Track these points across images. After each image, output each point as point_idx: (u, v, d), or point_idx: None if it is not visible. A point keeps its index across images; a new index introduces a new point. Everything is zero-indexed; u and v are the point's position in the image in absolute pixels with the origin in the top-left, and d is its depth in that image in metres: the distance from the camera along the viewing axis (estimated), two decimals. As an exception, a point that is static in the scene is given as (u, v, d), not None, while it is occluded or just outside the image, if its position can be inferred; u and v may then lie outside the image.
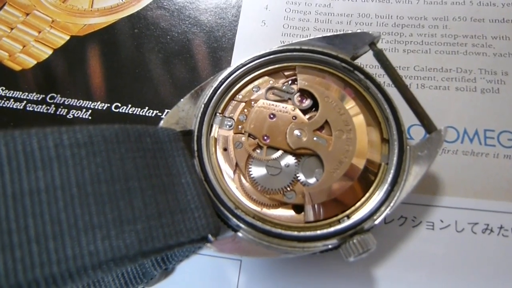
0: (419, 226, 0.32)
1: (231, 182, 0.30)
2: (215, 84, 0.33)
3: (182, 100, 0.32)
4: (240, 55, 0.33)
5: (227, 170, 0.30)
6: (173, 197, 0.26)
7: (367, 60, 0.34)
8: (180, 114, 0.32)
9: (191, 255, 0.31)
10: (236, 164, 0.30)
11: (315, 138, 0.30)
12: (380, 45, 0.34)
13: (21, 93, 0.40)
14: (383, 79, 0.32)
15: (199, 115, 0.31)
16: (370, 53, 0.34)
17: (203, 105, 0.32)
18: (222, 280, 0.31)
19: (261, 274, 0.31)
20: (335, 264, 0.31)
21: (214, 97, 0.32)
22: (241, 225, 0.28)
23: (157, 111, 0.39)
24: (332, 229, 0.28)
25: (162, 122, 0.31)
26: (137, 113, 0.39)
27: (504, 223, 0.31)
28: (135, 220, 0.23)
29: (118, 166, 0.25)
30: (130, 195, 0.24)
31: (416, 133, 0.35)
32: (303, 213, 0.29)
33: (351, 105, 0.32)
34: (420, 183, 0.30)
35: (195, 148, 0.30)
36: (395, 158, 0.30)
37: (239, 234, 0.28)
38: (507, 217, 0.31)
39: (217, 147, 0.31)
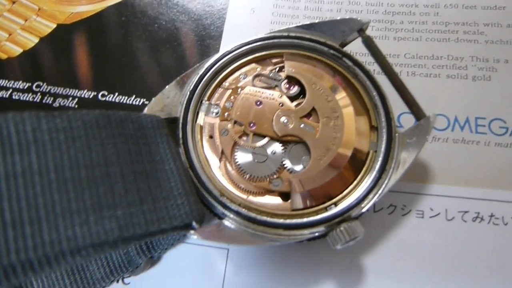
0: (408, 214, 0.31)
1: (216, 170, 0.30)
2: (201, 71, 0.32)
3: (167, 87, 0.32)
4: (229, 44, 0.32)
5: (212, 158, 0.30)
6: (156, 184, 0.26)
7: (356, 48, 0.33)
8: (165, 101, 0.31)
9: (177, 244, 0.31)
10: (222, 152, 0.30)
11: (302, 125, 0.30)
12: (370, 33, 0.33)
13: (7, 81, 0.40)
14: (373, 67, 0.32)
15: (185, 102, 0.31)
16: (360, 41, 0.33)
17: (188, 92, 0.31)
18: (209, 269, 0.31)
19: (248, 262, 0.31)
20: (323, 252, 0.30)
21: (200, 84, 0.32)
22: (226, 212, 0.28)
23: (144, 100, 0.39)
24: (319, 216, 0.28)
25: (146, 109, 0.30)
26: (124, 101, 0.39)
27: (494, 211, 0.31)
28: (115, 206, 0.23)
29: (98, 152, 0.24)
30: (111, 181, 0.24)
31: (406, 121, 0.34)
32: (289, 200, 0.29)
33: (339, 92, 0.31)
34: (410, 171, 0.30)
35: (180, 136, 0.30)
36: (383, 145, 0.29)
37: (225, 222, 0.28)
38: (497, 205, 0.31)
39: (203, 134, 0.31)
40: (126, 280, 0.31)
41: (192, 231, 0.26)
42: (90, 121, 0.25)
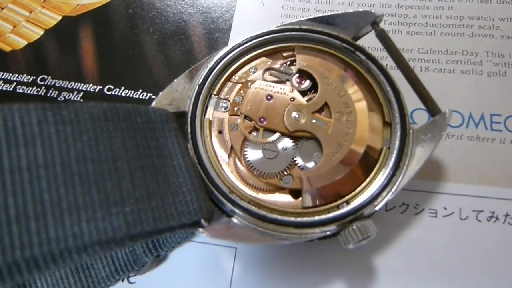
0: (421, 213, 0.30)
1: (225, 166, 0.29)
2: (210, 64, 0.31)
3: (175, 80, 0.31)
4: (238, 37, 0.31)
5: (221, 154, 0.29)
6: (164, 179, 0.25)
7: (369, 42, 0.32)
8: (173, 95, 0.30)
9: (184, 242, 0.30)
10: (231, 147, 0.29)
11: (313, 121, 0.29)
12: (383, 27, 0.32)
13: (11, 74, 0.39)
14: (386, 62, 0.31)
15: (194, 96, 0.30)
16: (373, 35, 0.32)
17: (197, 86, 0.30)
18: (216, 269, 0.30)
19: (256, 262, 0.30)
20: (334, 252, 0.29)
21: (209, 78, 0.31)
22: (236, 210, 0.27)
23: (151, 94, 0.38)
24: (330, 215, 0.27)
25: (154, 102, 0.30)
26: (130, 95, 0.38)
27: (510, 210, 0.30)
28: (123, 202, 0.22)
29: (106, 145, 0.24)
30: (118, 176, 0.23)
31: (419, 117, 0.33)
32: (300, 198, 0.28)
33: (351, 87, 0.30)
34: (423, 169, 0.29)
35: (189, 130, 0.29)
36: (397, 142, 0.28)
37: (234, 219, 0.27)
38: (512, 204, 0.30)
39: (212, 129, 0.30)
40: (131, 279, 0.30)
41: (200, 229, 0.25)
42: (97, 114, 0.24)
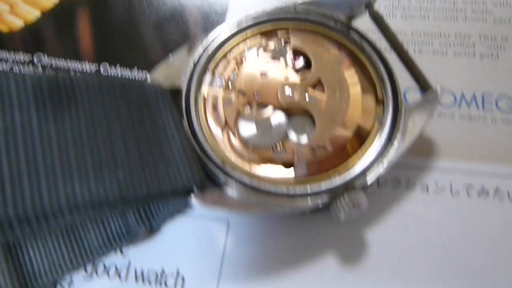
0: (413, 189, 0.31)
1: (219, 141, 0.29)
2: (206, 42, 0.32)
3: (171, 56, 0.31)
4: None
5: (215, 129, 0.29)
6: (158, 149, 0.25)
7: (363, 26, 0.33)
8: (168, 71, 0.31)
9: (177, 215, 0.30)
10: (226, 122, 0.29)
11: (307, 96, 0.29)
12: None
13: (7, 52, 0.39)
14: (380, 44, 0.31)
15: (189, 72, 0.31)
16: (366, 19, 0.33)
17: (192, 63, 0.31)
18: (208, 242, 0.30)
19: (249, 236, 0.30)
20: (326, 226, 0.30)
21: (205, 55, 0.31)
22: (229, 181, 0.27)
23: (147, 72, 0.38)
24: (322, 185, 0.27)
25: (149, 77, 0.30)
26: (126, 75, 0.38)
27: (500, 186, 0.30)
28: (116, 166, 0.23)
29: (100, 113, 0.24)
30: (112, 142, 0.23)
31: (412, 98, 0.34)
32: (292, 170, 0.28)
33: (345, 66, 0.31)
34: (415, 146, 0.30)
35: (183, 106, 0.29)
36: (389, 117, 0.29)
37: (226, 190, 0.27)
38: (503, 180, 0.30)
39: (206, 105, 0.30)
40: (124, 253, 0.30)
41: (193, 196, 0.26)
42: (92, 84, 0.25)
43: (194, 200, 0.26)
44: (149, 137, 0.25)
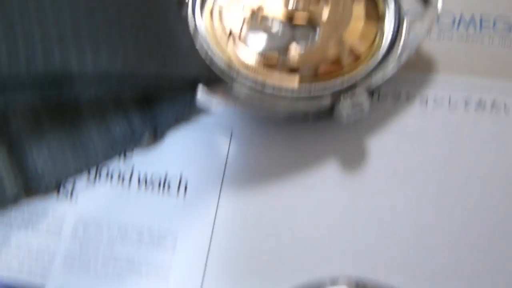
0: (412, 102, 0.31)
1: (225, 46, 0.29)
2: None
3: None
4: None
5: (221, 36, 0.30)
6: (165, 42, 0.26)
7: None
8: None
9: (181, 121, 0.31)
10: (230, 32, 0.30)
11: (310, 7, 0.30)
12: None
13: None
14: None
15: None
16: None
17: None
18: (211, 150, 0.30)
19: (252, 144, 0.31)
20: (328, 133, 0.30)
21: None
22: (234, 83, 0.28)
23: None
24: (326, 87, 0.28)
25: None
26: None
27: (497, 98, 0.31)
28: (125, 46, 0.23)
29: (109, 4, 0.24)
30: (121, 27, 0.24)
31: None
32: (297, 76, 0.29)
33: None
34: (415, 62, 0.31)
35: (190, 13, 0.30)
36: (391, 27, 0.30)
37: (232, 89, 0.28)
38: (500, 94, 0.31)
39: (213, 13, 0.30)
40: (128, 159, 0.31)
41: (200, 87, 0.26)
42: None
43: (200, 92, 0.26)
44: (157, 26, 0.25)
